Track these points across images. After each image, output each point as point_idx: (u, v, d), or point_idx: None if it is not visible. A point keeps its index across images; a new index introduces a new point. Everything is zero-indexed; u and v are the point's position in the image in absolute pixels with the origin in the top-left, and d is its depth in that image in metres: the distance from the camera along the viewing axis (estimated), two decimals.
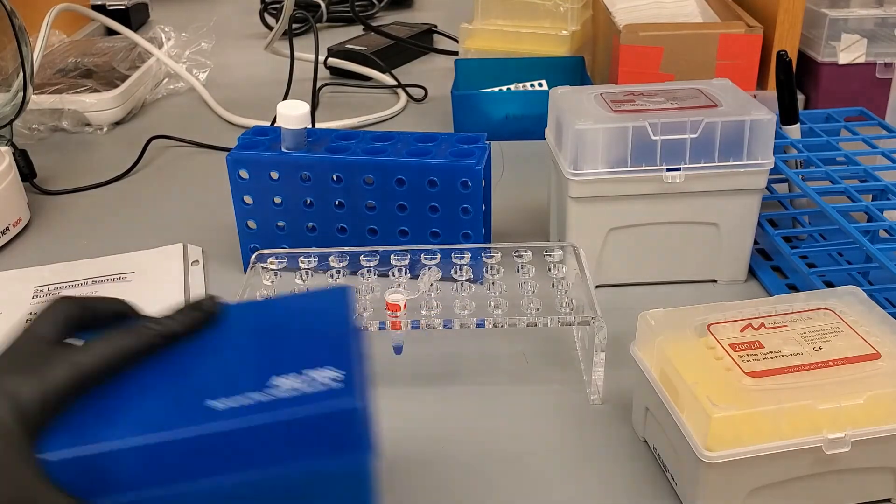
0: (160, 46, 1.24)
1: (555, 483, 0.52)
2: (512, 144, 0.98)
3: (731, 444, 0.45)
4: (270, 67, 1.28)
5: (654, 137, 0.64)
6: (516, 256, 0.63)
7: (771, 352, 0.49)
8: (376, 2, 1.59)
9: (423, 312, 0.58)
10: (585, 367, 0.61)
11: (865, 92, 0.99)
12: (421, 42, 1.35)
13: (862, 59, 0.99)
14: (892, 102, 0.97)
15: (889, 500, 0.50)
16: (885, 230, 0.65)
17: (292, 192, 0.71)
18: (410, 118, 1.11)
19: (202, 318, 0.40)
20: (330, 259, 0.64)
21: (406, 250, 0.64)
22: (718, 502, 0.47)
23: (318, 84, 1.10)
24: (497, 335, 0.64)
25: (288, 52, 1.08)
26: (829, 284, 0.65)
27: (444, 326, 0.57)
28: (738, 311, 0.53)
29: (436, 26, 1.42)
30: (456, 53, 1.17)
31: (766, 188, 0.71)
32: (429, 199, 0.69)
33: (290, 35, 1.09)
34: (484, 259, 0.64)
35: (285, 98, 1.05)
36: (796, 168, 0.75)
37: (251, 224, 0.73)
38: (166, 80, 1.24)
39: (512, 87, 1.04)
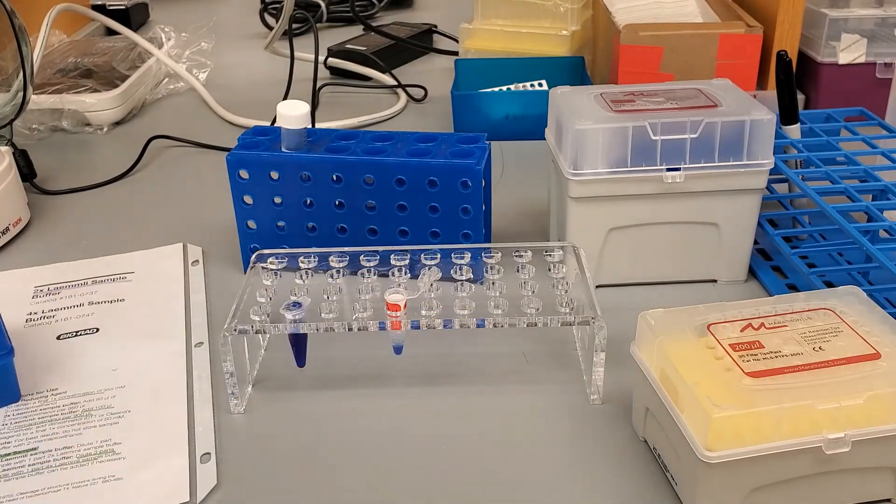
0: (160, 46, 1.24)
1: (555, 483, 0.52)
2: (512, 144, 0.98)
3: (731, 444, 0.45)
4: (270, 67, 1.28)
5: (654, 137, 0.65)
6: (516, 256, 0.64)
7: (771, 352, 0.49)
8: (376, 2, 1.59)
9: (423, 312, 0.58)
10: (585, 367, 0.61)
11: (865, 92, 0.99)
12: (421, 42, 1.35)
13: (862, 59, 0.99)
14: (892, 102, 0.97)
15: (889, 500, 0.50)
16: (885, 230, 0.65)
17: (292, 192, 0.71)
18: (410, 118, 1.11)
19: None
20: (330, 259, 0.64)
21: (406, 250, 0.64)
22: (718, 502, 0.47)
23: (318, 84, 1.11)
24: (497, 335, 0.64)
25: (288, 52, 1.08)
26: (829, 284, 0.65)
27: (444, 326, 0.57)
28: (738, 311, 0.53)
29: (436, 26, 1.42)
30: (456, 53, 1.17)
31: (766, 188, 0.71)
32: (429, 199, 0.69)
33: (290, 35, 1.09)
34: (484, 259, 0.64)
35: (285, 98, 1.05)
36: (796, 168, 0.75)
37: (251, 224, 0.73)
38: (166, 80, 1.24)
39: (512, 87, 1.04)
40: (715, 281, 0.71)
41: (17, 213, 0.84)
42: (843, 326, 0.51)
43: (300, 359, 0.61)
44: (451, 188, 0.68)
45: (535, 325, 0.57)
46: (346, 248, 0.65)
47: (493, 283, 0.61)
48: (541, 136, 0.75)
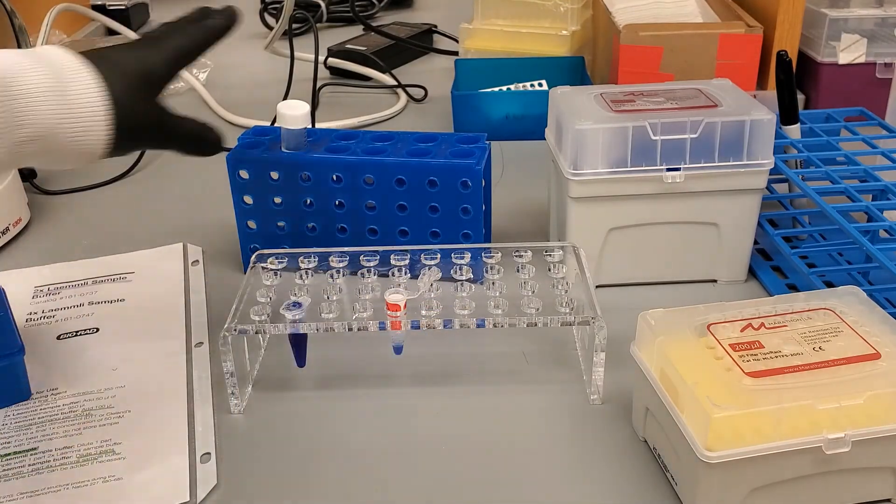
0: None
1: (555, 483, 0.52)
2: (512, 144, 0.98)
3: (731, 444, 0.45)
4: (270, 67, 1.28)
5: (654, 137, 0.65)
6: (516, 256, 0.64)
7: (771, 352, 0.49)
8: (376, 2, 1.59)
9: (423, 312, 0.58)
10: (585, 367, 0.61)
11: (865, 92, 0.99)
12: (421, 42, 1.35)
13: (862, 59, 0.99)
14: (892, 102, 0.97)
15: (889, 500, 0.50)
16: (885, 230, 0.65)
17: (292, 192, 0.71)
18: (410, 118, 1.11)
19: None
20: (330, 259, 0.64)
21: (406, 250, 0.64)
22: (718, 502, 0.47)
23: (318, 84, 1.11)
24: (497, 335, 0.64)
25: (288, 52, 1.08)
26: (829, 284, 0.65)
27: (444, 326, 0.57)
28: (738, 311, 0.53)
29: (436, 26, 1.42)
30: (456, 53, 1.17)
31: (766, 188, 0.71)
32: (429, 198, 0.69)
33: (290, 35, 1.09)
34: (484, 259, 0.64)
35: (285, 98, 1.05)
36: (796, 168, 0.75)
37: (251, 224, 0.73)
38: None
39: (512, 87, 1.04)
40: (715, 281, 0.71)
41: (17, 213, 0.84)
42: (843, 326, 0.51)
43: (300, 359, 0.61)
44: (451, 188, 0.68)
45: (535, 325, 0.57)
46: (346, 248, 0.65)
47: (493, 283, 0.61)
48: (541, 136, 0.75)
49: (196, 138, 0.59)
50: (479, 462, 0.54)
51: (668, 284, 0.71)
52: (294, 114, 0.69)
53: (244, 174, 0.71)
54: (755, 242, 0.71)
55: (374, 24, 1.36)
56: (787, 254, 0.68)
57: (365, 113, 1.09)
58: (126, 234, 0.83)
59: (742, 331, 0.51)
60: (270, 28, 1.38)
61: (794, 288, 0.69)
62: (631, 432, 0.56)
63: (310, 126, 0.72)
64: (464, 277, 0.62)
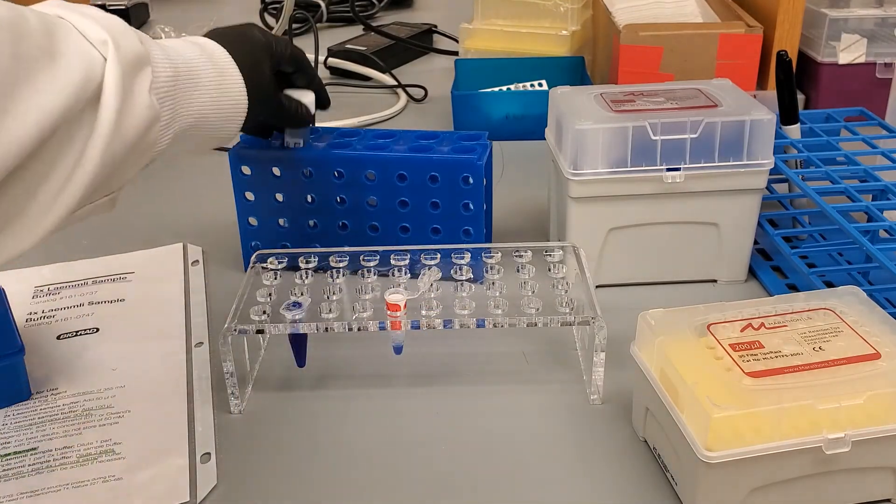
0: None
1: (555, 483, 0.52)
2: (512, 144, 0.98)
3: (731, 444, 0.45)
4: None
5: (654, 137, 0.65)
6: (516, 256, 0.63)
7: (771, 352, 0.49)
8: (376, 2, 1.59)
9: (423, 312, 0.58)
10: (585, 367, 0.61)
11: (865, 92, 0.99)
12: (421, 42, 1.35)
13: (862, 59, 0.99)
14: (892, 102, 0.97)
15: (889, 500, 0.50)
16: (885, 230, 0.65)
17: (294, 189, 0.71)
18: (410, 118, 1.11)
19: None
20: (330, 259, 0.64)
21: (406, 250, 0.64)
22: (718, 502, 0.47)
23: None
24: (497, 335, 0.64)
25: None
26: (829, 284, 0.65)
27: (444, 326, 0.57)
28: (738, 311, 0.53)
29: (436, 26, 1.42)
30: (456, 53, 1.17)
31: (766, 188, 0.71)
32: (430, 194, 0.69)
33: (290, 35, 1.09)
34: (484, 259, 0.64)
35: None
36: (796, 168, 0.75)
37: (252, 221, 0.73)
38: None
39: (512, 87, 1.04)
40: (715, 281, 0.71)
41: None
42: (843, 326, 0.51)
43: (300, 359, 0.61)
44: (453, 183, 0.68)
45: (535, 325, 0.57)
46: (346, 248, 0.65)
47: (494, 283, 0.61)
48: (541, 136, 0.75)
49: (296, 118, 0.66)
50: (479, 462, 0.54)
51: (668, 284, 0.71)
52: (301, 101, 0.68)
53: (246, 170, 0.71)
54: (755, 242, 0.71)
55: (374, 24, 1.36)
56: (787, 254, 0.68)
57: (365, 113, 1.09)
58: (126, 234, 0.83)
59: (742, 331, 0.51)
60: (270, 28, 1.38)
61: (794, 288, 0.69)
62: (631, 432, 0.56)
63: (313, 112, 0.71)
64: (464, 277, 0.62)
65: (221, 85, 0.56)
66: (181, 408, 0.58)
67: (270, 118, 0.66)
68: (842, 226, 0.63)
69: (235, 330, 0.57)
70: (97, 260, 0.77)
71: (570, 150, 0.65)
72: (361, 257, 0.64)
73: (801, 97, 1.01)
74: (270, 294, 0.61)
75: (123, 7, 1.48)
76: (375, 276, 0.63)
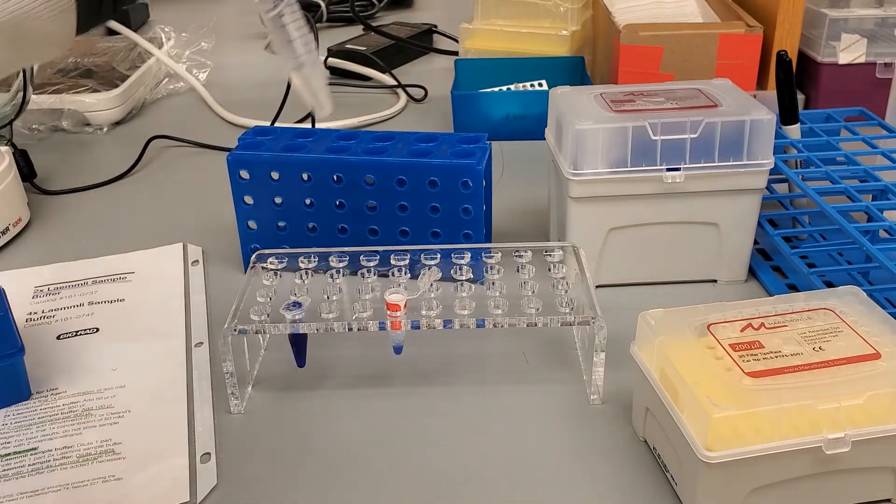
0: (160, 46, 1.24)
1: (555, 483, 0.52)
2: (512, 144, 0.98)
3: (731, 444, 0.45)
4: (270, 67, 1.28)
5: (654, 137, 0.65)
6: (516, 256, 0.64)
7: (771, 352, 0.49)
8: (376, 2, 1.59)
9: (423, 312, 0.58)
10: (585, 367, 0.61)
11: (865, 92, 0.99)
12: (421, 42, 1.35)
13: (862, 59, 0.99)
14: (892, 102, 0.97)
15: (889, 500, 0.50)
16: (885, 230, 0.65)
17: (293, 193, 0.71)
18: (410, 118, 1.11)
19: None
20: (330, 259, 0.64)
21: (406, 250, 0.64)
22: (718, 502, 0.47)
23: None
24: (497, 335, 0.64)
25: None
26: (829, 284, 0.65)
27: (444, 326, 0.57)
28: (738, 311, 0.53)
29: (436, 26, 1.42)
30: (456, 53, 1.17)
31: (766, 188, 0.71)
32: (430, 199, 0.69)
33: None
34: (484, 259, 0.64)
35: (284, 99, 1.05)
36: (796, 168, 0.75)
37: (251, 224, 0.73)
38: (166, 80, 1.24)
39: (512, 87, 1.04)
40: (715, 281, 0.71)
41: (17, 213, 0.84)
42: (843, 326, 0.51)
43: (300, 359, 0.61)
44: (452, 188, 0.68)
45: (535, 325, 0.57)
46: (346, 249, 0.65)
47: (494, 283, 0.61)
48: (541, 136, 0.75)
49: None
50: (479, 462, 0.54)
51: (668, 284, 0.71)
52: None
53: (245, 174, 0.71)
54: (755, 242, 0.71)
55: (374, 24, 1.36)
56: (787, 254, 0.68)
57: (365, 113, 1.09)
58: (126, 234, 0.83)
59: (742, 331, 0.51)
60: None
61: (794, 288, 0.69)
62: (631, 432, 0.56)
63: None
64: (464, 277, 0.62)
65: None
66: (181, 408, 0.58)
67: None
68: (842, 226, 0.63)
69: (235, 330, 0.57)
70: (97, 260, 0.77)
71: (570, 150, 0.65)
72: (361, 257, 0.64)
73: (801, 97, 1.01)
74: (270, 294, 0.61)
75: (123, 7, 1.48)
76: (375, 277, 0.63)
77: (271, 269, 0.63)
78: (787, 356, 0.49)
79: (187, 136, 1.04)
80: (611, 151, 0.65)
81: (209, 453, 0.54)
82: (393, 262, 0.63)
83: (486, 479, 0.52)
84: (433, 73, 1.27)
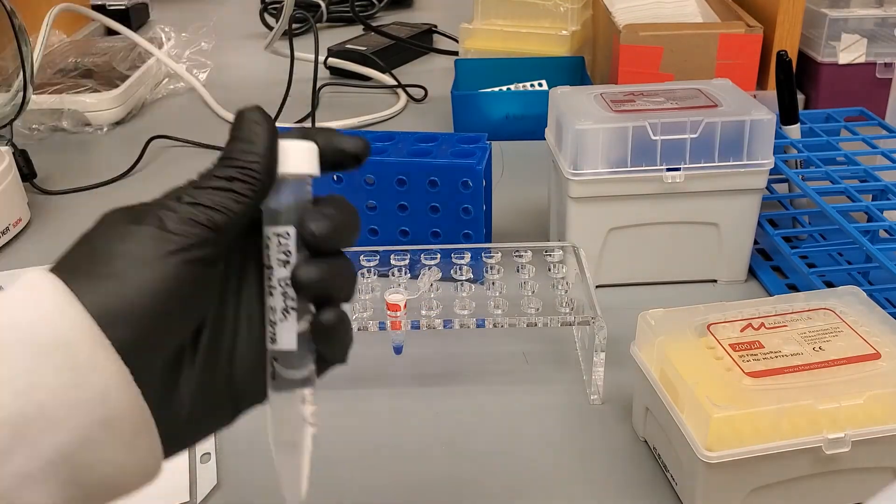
0: (160, 46, 1.24)
1: (555, 483, 0.52)
2: (512, 144, 0.98)
3: (731, 444, 0.45)
4: (270, 67, 1.28)
5: (654, 137, 0.65)
6: (516, 256, 0.64)
7: (771, 352, 0.49)
8: (376, 2, 1.59)
9: (423, 312, 0.58)
10: (585, 367, 0.61)
11: (865, 92, 0.99)
12: (421, 42, 1.35)
13: (862, 59, 0.99)
14: (892, 102, 0.97)
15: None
16: (885, 230, 0.65)
17: None
18: (410, 118, 1.11)
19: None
20: None
21: (406, 250, 0.64)
22: (718, 502, 0.47)
23: (318, 84, 1.10)
24: (497, 335, 0.64)
25: (288, 52, 1.08)
26: (829, 284, 0.65)
27: (444, 326, 0.57)
28: (738, 311, 0.53)
29: (436, 26, 1.42)
30: (456, 53, 1.17)
31: (766, 188, 0.71)
32: (430, 198, 0.69)
33: (290, 35, 1.09)
34: (484, 259, 0.64)
35: (285, 99, 1.05)
36: (796, 168, 0.75)
37: None
38: (166, 80, 1.24)
39: (512, 87, 1.04)
40: (715, 281, 0.71)
41: (17, 213, 0.84)
42: (843, 326, 0.51)
43: None
44: (452, 188, 0.68)
45: (535, 325, 0.57)
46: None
47: (494, 283, 0.61)
48: (541, 136, 0.75)
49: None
50: (479, 462, 0.54)
51: (668, 284, 0.71)
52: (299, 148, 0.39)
53: None
54: (755, 242, 0.71)
55: (374, 24, 1.36)
56: (787, 254, 0.68)
57: (365, 113, 1.09)
58: None
59: (742, 331, 0.51)
60: (270, 28, 1.38)
61: (794, 288, 0.69)
62: (631, 432, 0.55)
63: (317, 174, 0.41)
64: (464, 277, 0.62)
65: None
66: None
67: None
68: (842, 226, 0.63)
69: None
70: None
71: (570, 150, 0.65)
72: (361, 257, 0.64)
73: (801, 97, 1.01)
74: None
75: (123, 7, 1.48)
76: (375, 276, 0.63)
77: None
78: (787, 356, 0.49)
79: (187, 136, 1.04)
80: (611, 151, 0.65)
81: (209, 453, 0.54)
82: (393, 262, 0.63)
83: (486, 478, 0.52)
84: (433, 73, 1.27)
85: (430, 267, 0.62)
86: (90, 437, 0.29)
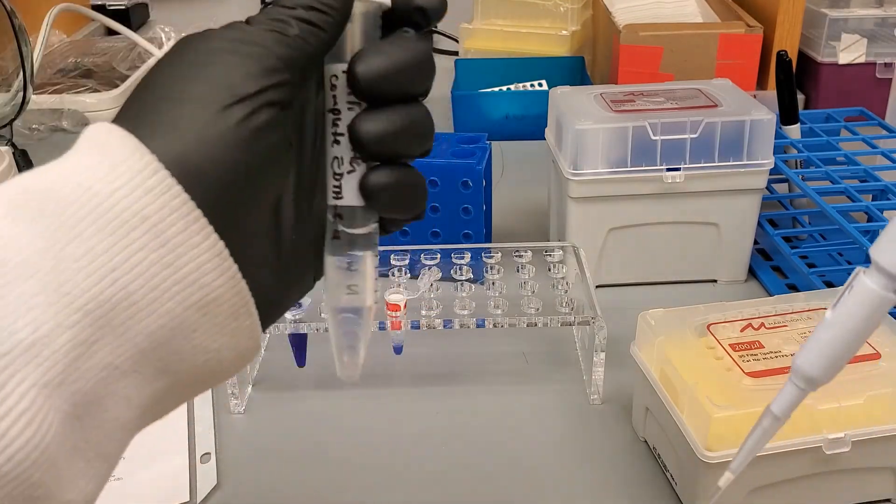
0: (160, 46, 1.24)
1: (555, 483, 0.52)
2: (512, 144, 0.98)
3: (731, 444, 0.45)
4: None
5: (654, 137, 0.65)
6: (516, 256, 0.63)
7: (771, 352, 0.49)
8: None
9: (423, 312, 0.58)
10: (585, 367, 0.61)
11: (865, 92, 0.99)
12: None
13: (862, 59, 0.99)
14: (892, 102, 0.97)
15: (889, 500, 0.50)
16: None
17: None
18: None
19: None
20: None
21: (406, 250, 0.64)
22: (718, 502, 0.47)
23: None
24: (497, 335, 0.64)
25: None
26: (829, 284, 0.65)
27: (444, 326, 0.57)
28: (738, 311, 0.53)
29: (435, 26, 1.41)
30: (456, 53, 1.17)
31: (766, 188, 0.71)
32: (430, 198, 0.69)
33: None
34: (484, 259, 0.64)
35: None
36: (796, 168, 0.75)
37: None
38: None
39: (512, 87, 1.04)
40: (715, 281, 0.71)
41: None
42: None
43: (300, 359, 0.61)
44: (452, 188, 0.68)
45: (535, 325, 0.57)
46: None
47: (494, 283, 0.61)
48: (541, 136, 0.75)
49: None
50: (479, 462, 0.54)
51: (668, 284, 0.71)
52: None
53: None
54: (755, 242, 0.71)
55: None
56: (787, 254, 0.68)
57: None
58: None
59: (742, 331, 0.51)
60: None
61: (794, 288, 0.69)
62: (631, 432, 0.55)
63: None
64: (464, 277, 0.62)
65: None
66: (181, 408, 0.58)
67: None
68: (842, 226, 0.63)
69: None
70: None
71: (570, 150, 0.65)
72: None
73: (801, 97, 1.01)
74: None
75: (123, 7, 1.48)
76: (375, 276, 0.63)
77: None
78: (787, 356, 0.49)
79: None
80: (611, 151, 0.65)
81: (209, 453, 0.54)
82: (393, 262, 0.63)
83: (486, 478, 0.52)
84: None
85: (430, 267, 0.62)
86: (184, 323, 0.26)
